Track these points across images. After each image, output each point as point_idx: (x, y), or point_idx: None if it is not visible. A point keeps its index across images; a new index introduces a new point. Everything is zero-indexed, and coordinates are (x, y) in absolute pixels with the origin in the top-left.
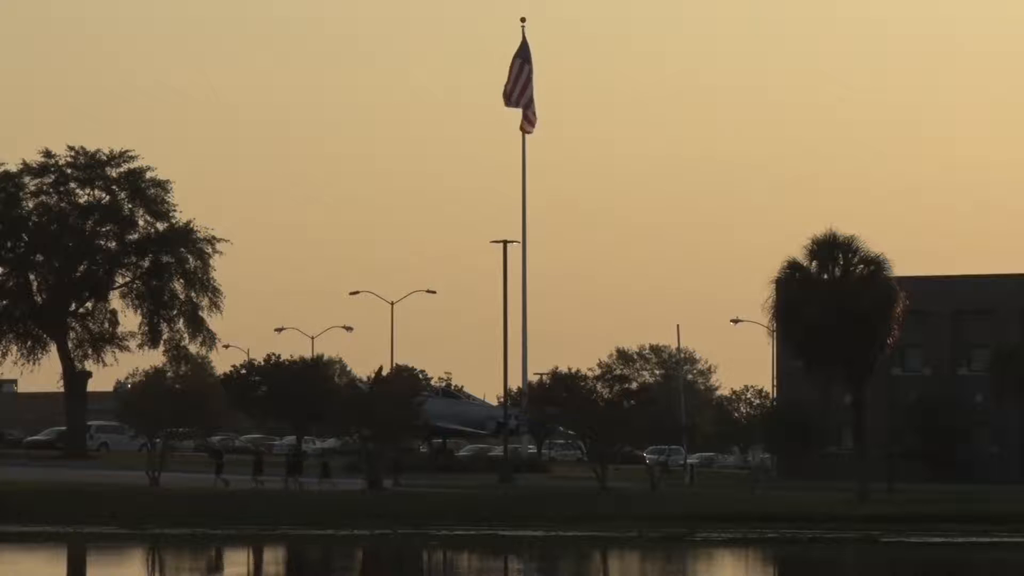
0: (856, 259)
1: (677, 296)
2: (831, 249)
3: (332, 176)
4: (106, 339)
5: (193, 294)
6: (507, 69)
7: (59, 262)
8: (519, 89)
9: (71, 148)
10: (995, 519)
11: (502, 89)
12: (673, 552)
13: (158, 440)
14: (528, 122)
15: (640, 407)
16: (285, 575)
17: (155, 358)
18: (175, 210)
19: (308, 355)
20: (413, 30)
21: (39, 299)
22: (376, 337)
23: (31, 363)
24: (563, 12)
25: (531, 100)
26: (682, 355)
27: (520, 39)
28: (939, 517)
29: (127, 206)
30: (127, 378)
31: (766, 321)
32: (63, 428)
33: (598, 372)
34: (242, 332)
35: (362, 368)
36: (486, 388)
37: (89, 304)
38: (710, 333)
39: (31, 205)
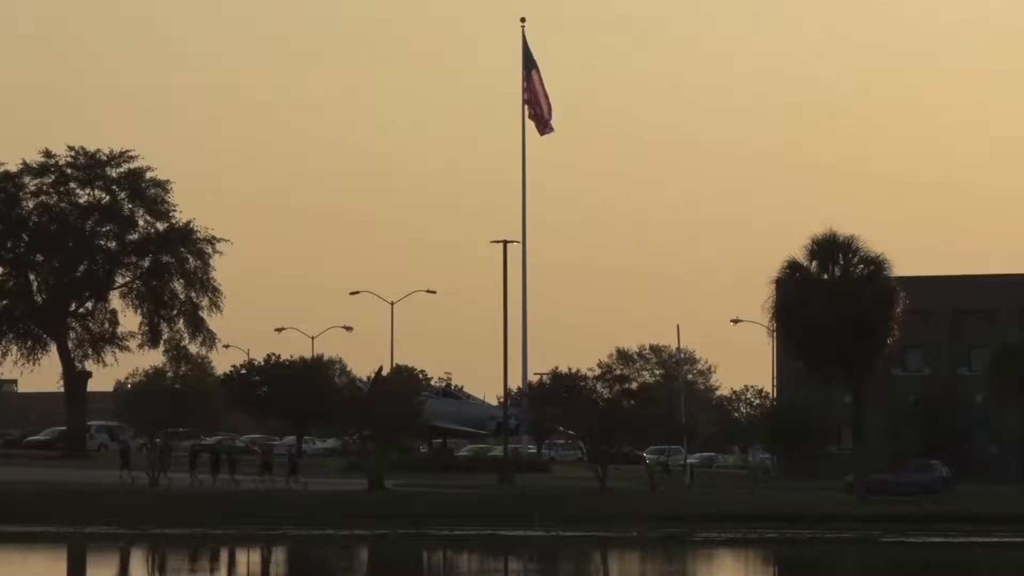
0: (856, 259)
1: (677, 296)
2: (831, 249)
3: (332, 176)
4: (106, 339)
5: (193, 294)
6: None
7: (59, 262)
8: (544, 108)
9: (71, 148)
10: (995, 519)
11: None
12: (673, 552)
13: (158, 440)
14: (542, 122)
15: (640, 407)
16: (285, 575)
17: (155, 358)
18: (175, 210)
19: (308, 355)
20: (413, 30)
21: (39, 299)
22: (376, 337)
23: (31, 363)
24: (563, 12)
25: (548, 107)
26: (682, 355)
27: (520, 40)
28: (939, 517)
29: (127, 206)
30: (127, 378)
31: (766, 321)
32: (63, 428)
33: (598, 372)
34: (242, 332)
35: (362, 368)
36: (486, 388)
37: (89, 304)
38: (710, 333)
39: (31, 205)
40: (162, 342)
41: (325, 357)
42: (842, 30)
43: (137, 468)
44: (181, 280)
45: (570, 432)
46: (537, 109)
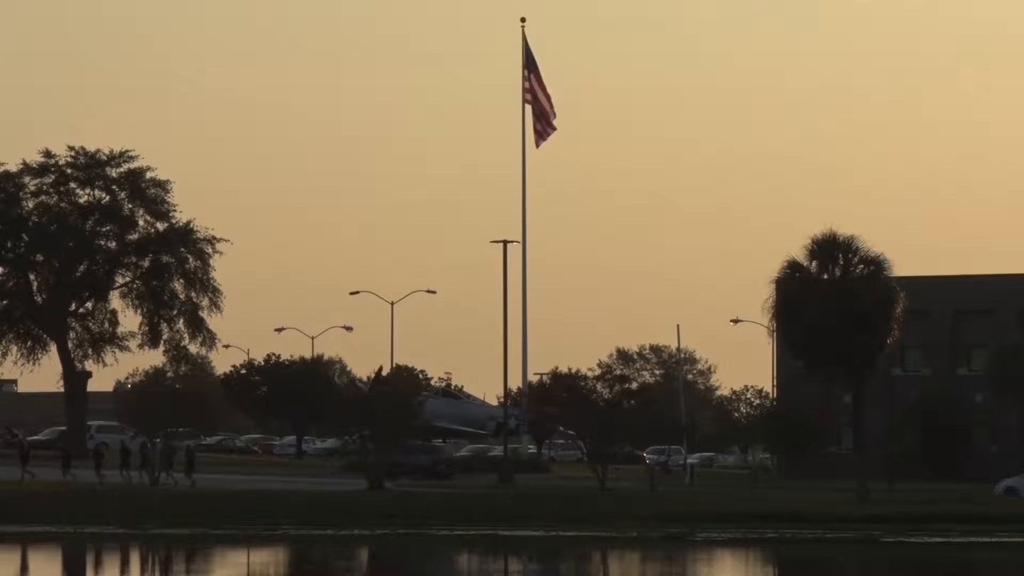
0: (856, 259)
1: (677, 296)
2: (831, 249)
3: (332, 176)
4: (106, 339)
5: (193, 294)
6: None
7: (59, 262)
8: (544, 112)
9: (71, 148)
10: (995, 519)
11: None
12: (673, 552)
13: (158, 440)
14: (542, 133)
15: (640, 407)
16: (286, 575)
17: (155, 358)
18: (175, 210)
19: (308, 355)
20: (413, 30)
21: (39, 299)
22: (376, 337)
23: (31, 363)
24: (563, 12)
25: (550, 108)
26: (682, 355)
27: (520, 40)
28: (939, 517)
29: (127, 206)
30: (127, 378)
31: (766, 321)
32: (63, 428)
33: (598, 372)
34: (242, 332)
35: (362, 368)
36: (486, 388)
37: (89, 304)
38: (710, 333)
39: (31, 205)
40: (162, 342)
41: (325, 357)
42: (842, 30)
43: (134, 469)
44: (181, 280)
45: (570, 432)
46: (539, 108)
